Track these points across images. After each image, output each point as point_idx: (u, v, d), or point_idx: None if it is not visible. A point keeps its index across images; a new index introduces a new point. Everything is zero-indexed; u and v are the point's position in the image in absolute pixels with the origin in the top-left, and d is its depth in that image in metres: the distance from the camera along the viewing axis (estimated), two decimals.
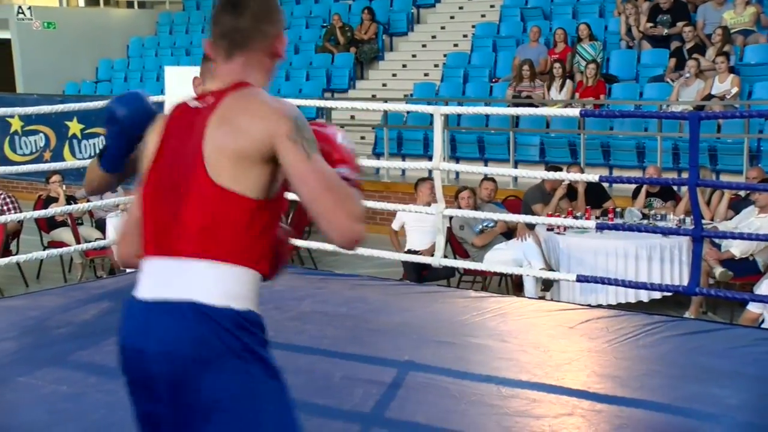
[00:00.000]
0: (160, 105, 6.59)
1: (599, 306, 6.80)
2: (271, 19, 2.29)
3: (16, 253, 9.13)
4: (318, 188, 2.11)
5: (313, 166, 2.11)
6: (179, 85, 6.49)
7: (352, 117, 14.21)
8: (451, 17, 16.03)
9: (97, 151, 2.66)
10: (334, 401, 4.07)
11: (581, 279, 5.97)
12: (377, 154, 13.01)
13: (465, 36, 15.18)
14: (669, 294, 7.11)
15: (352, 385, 4.24)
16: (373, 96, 14.37)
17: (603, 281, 5.94)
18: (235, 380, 2.13)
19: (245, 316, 2.15)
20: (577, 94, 11.90)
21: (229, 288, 2.13)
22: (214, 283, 2.12)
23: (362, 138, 13.94)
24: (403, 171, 12.32)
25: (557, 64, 12.23)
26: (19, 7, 17.77)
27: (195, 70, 7.23)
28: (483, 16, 15.56)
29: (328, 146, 2.32)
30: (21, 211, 9.33)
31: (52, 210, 7.81)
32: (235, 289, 2.14)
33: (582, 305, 6.19)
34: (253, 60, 2.25)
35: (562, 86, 12.07)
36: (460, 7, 16.07)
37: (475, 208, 8.05)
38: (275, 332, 5.07)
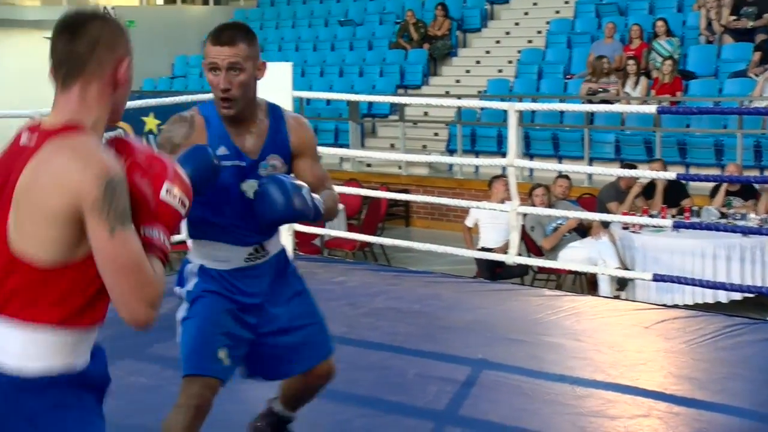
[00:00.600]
0: None
1: (675, 306, 6.70)
2: (111, 44, 2.06)
3: None
4: (115, 271, 1.90)
5: (114, 246, 1.87)
6: None
7: (426, 113, 14.19)
8: (525, 13, 15.92)
9: None
10: (408, 398, 4.08)
11: (657, 278, 5.88)
12: (450, 151, 12.96)
13: (539, 32, 15.05)
14: (750, 295, 6.96)
15: (425, 383, 4.25)
16: (447, 92, 14.32)
17: (680, 281, 5.86)
18: None
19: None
20: (652, 91, 11.73)
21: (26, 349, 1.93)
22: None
23: (435, 134, 13.92)
24: (477, 168, 12.26)
25: (631, 61, 12.07)
26: (103, 7, 18.13)
27: (271, 66, 7.30)
28: (557, 12, 15.41)
29: (146, 198, 2.00)
30: None
31: None
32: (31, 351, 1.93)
33: (658, 305, 6.11)
34: (92, 90, 2.02)
35: (636, 83, 11.92)
36: (534, 3, 15.94)
37: (549, 205, 7.99)
38: (348, 328, 5.14)
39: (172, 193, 2.04)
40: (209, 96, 8.02)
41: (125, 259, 1.89)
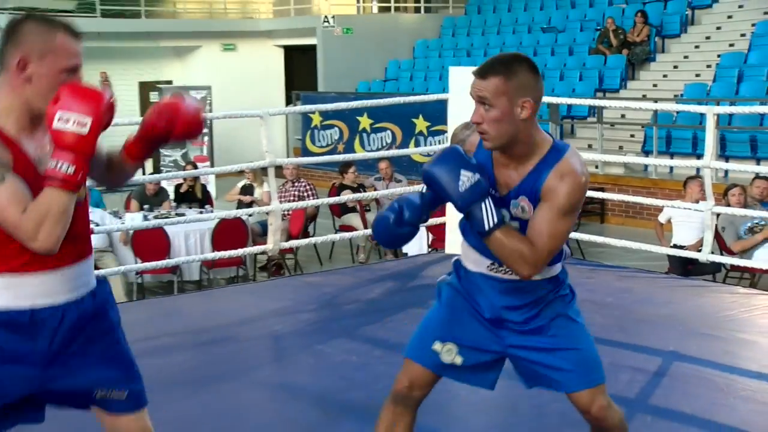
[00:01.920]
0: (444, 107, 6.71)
1: None
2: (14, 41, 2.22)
3: (313, 235, 9.62)
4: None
5: None
6: (462, 84, 6.57)
7: (623, 116, 13.86)
8: (729, 17, 15.22)
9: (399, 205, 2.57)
10: None
11: None
12: (646, 152, 12.63)
13: (743, 35, 14.37)
14: None
15: (617, 371, 4.15)
16: (644, 96, 13.95)
17: None
18: None
19: None
20: None
21: None
22: None
23: (632, 136, 13.58)
24: (671, 168, 11.89)
25: None
26: (325, 16, 18.72)
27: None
28: (766, 13, 14.63)
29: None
30: (318, 198, 9.80)
31: (344, 197, 8.15)
32: None
33: None
34: (5, 78, 2.24)
35: None
36: (740, 6, 15.21)
37: (745, 206, 7.63)
38: None
39: (64, 119, 2.13)
40: (419, 98, 8.09)
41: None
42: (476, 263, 2.70)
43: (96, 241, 8.95)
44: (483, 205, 2.47)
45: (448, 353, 2.72)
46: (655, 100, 12.78)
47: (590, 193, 7.85)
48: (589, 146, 13.54)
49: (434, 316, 2.79)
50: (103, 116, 2.19)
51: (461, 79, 6.63)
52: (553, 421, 3.62)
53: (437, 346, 2.73)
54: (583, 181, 2.52)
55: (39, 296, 2.25)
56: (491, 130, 2.48)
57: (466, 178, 2.44)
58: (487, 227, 2.47)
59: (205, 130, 16.24)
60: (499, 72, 2.48)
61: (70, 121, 2.14)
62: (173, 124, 2.40)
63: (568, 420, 3.60)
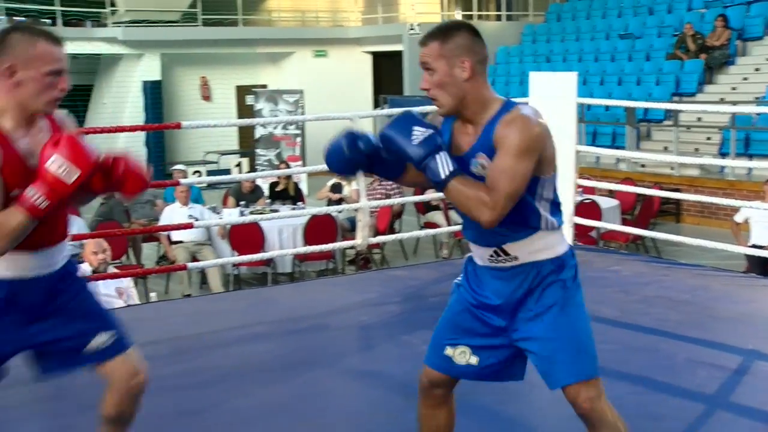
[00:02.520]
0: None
1: None
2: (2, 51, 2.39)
3: (399, 232, 9.62)
4: None
5: None
6: (542, 89, 6.49)
7: (699, 119, 13.51)
8: None
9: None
10: (677, 380, 3.90)
11: None
12: (723, 154, 12.30)
13: None
14: None
15: (695, 367, 4.04)
16: (721, 99, 13.57)
17: None
18: None
19: None
20: None
21: None
22: None
23: (708, 138, 13.23)
24: (749, 170, 11.54)
25: None
26: (411, 24, 18.75)
27: (556, 76, 7.23)
28: None
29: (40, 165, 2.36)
30: (404, 196, 9.80)
31: (429, 196, 8.13)
32: None
33: None
34: None
35: None
36: None
37: None
38: (621, 312, 5.00)
39: (57, 164, 2.32)
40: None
41: None
42: (480, 257, 2.63)
43: (195, 234, 9.10)
44: (438, 157, 2.41)
45: (462, 355, 2.66)
46: (734, 103, 12.42)
47: (667, 194, 7.72)
48: (665, 148, 13.25)
49: (444, 320, 2.74)
50: (89, 175, 2.37)
51: (542, 84, 6.55)
52: (629, 411, 3.53)
53: (449, 350, 2.67)
54: (533, 124, 2.42)
55: (20, 270, 2.49)
56: (438, 95, 2.49)
57: (419, 133, 2.42)
58: (443, 176, 2.40)
59: (298, 132, 16.40)
60: (436, 37, 2.49)
61: (62, 168, 2.33)
62: (120, 184, 2.56)
63: (644, 411, 3.53)
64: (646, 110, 13.70)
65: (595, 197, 9.24)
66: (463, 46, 2.48)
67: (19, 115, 2.43)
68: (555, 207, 2.57)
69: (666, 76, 14.86)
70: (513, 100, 2.54)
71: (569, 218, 6.47)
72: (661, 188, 10.65)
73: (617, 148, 12.92)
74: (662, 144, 13.57)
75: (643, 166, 13.06)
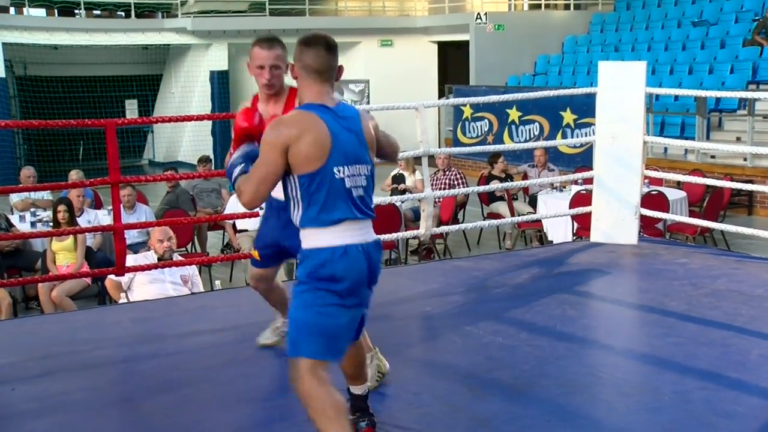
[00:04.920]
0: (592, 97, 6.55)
1: None
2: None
3: (462, 222, 9.59)
4: None
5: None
6: (610, 78, 6.40)
7: None
8: None
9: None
10: (750, 377, 3.81)
11: None
12: None
13: None
14: None
15: None
16: None
17: None
18: None
19: None
20: None
21: None
22: None
23: None
24: None
25: None
26: (478, 13, 18.63)
27: (624, 65, 7.11)
28: None
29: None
30: (467, 186, 9.76)
31: (493, 186, 8.08)
32: None
33: None
34: None
35: None
36: None
37: None
38: (689, 306, 4.91)
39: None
40: (568, 92, 7.98)
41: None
42: None
43: (250, 224, 9.18)
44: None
45: None
46: None
47: (738, 185, 7.54)
48: (738, 139, 12.93)
49: None
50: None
51: (610, 74, 6.45)
52: (698, 407, 3.48)
53: None
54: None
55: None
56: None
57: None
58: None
59: None
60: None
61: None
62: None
63: (714, 408, 3.46)
64: (718, 100, 13.38)
65: (663, 188, 9.08)
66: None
67: (261, 94, 3.69)
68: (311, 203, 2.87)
69: (742, 64, 14.47)
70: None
71: (635, 210, 6.37)
72: (732, 179, 10.44)
73: (686, 138, 12.67)
74: (735, 134, 13.25)
75: (713, 157, 12.78)
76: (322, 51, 2.88)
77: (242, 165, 3.02)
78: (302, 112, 2.85)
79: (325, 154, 2.79)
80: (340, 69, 2.96)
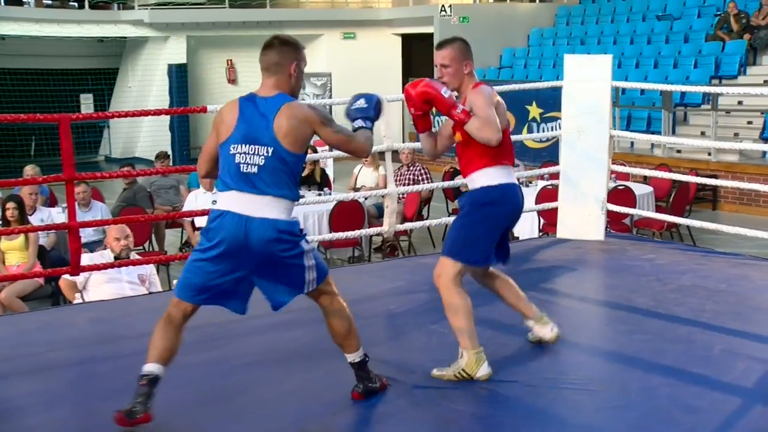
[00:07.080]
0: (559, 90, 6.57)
1: None
2: None
3: (427, 218, 9.60)
4: None
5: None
6: (576, 71, 6.44)
7: (740, 102, 13.34)
8: None
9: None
10: (714, 372, 3.86)
11: None
12: (765, 139, 12.14)
13: None
14: None
15: (733, 359, 4.00)
16: (765, 81, 13.37)
17: None
18: None
19: None
20: None
21: None
22: None
23: (749, 123, 13.07)
24: None
25: None
26: (442, 5, 18.65)
27: (590, 58, 7.16)
28: None
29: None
30: (432, 182, 9.77)
31: (458, 181, 8.09)
32: None
33: None
34: None
35: None
36: None
37: None
38: (656, 302, 4.96)
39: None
40: (534, 86, 8.26)
41: None
42: None
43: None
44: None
45: None
46: None
47: (704, 180, 7.61)
48: (702, 133, 13.10)
49: None
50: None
51: (576, 67, 6.50)
52: (663, 403, 3.51)
53: None
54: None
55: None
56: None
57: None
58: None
59: None
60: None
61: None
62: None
63: (678, 403, 3.50)
64: (683, 94, 13.53)
65: (629, 183, 9.17)
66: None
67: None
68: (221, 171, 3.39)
69: (705, 58, 14.66)
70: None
71: (602, 205, 6.42)
72: (698, 174, 10.56)
73: (652, 133, 12.80)
74: (699, 129, 13.43)
75: (678, 151, 12.94)
76: (263, 50, 3.53)
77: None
78: (234, 99, 3.44)
79: (229, 132, 3.32)
80: (295, 63, 3.49)
